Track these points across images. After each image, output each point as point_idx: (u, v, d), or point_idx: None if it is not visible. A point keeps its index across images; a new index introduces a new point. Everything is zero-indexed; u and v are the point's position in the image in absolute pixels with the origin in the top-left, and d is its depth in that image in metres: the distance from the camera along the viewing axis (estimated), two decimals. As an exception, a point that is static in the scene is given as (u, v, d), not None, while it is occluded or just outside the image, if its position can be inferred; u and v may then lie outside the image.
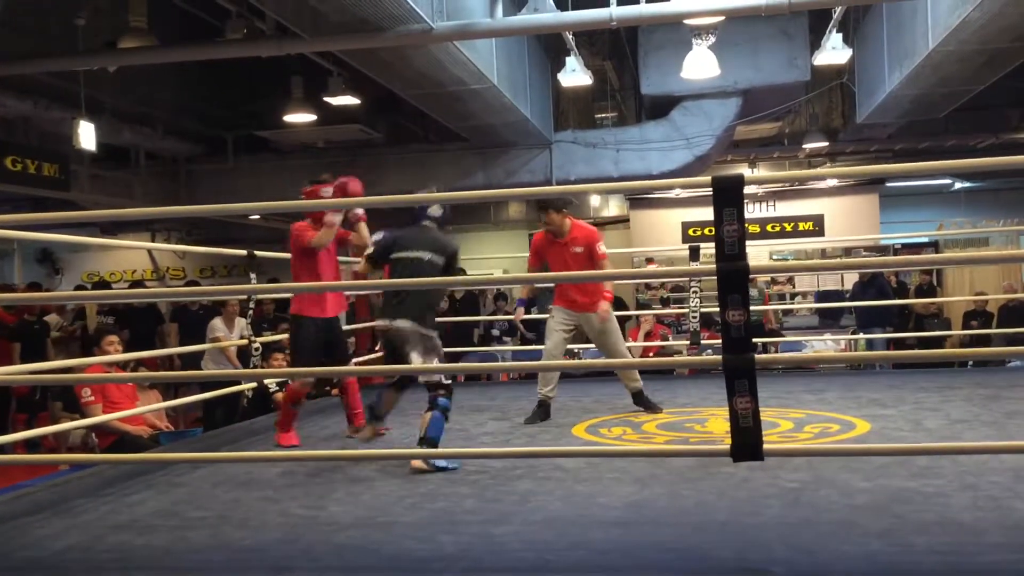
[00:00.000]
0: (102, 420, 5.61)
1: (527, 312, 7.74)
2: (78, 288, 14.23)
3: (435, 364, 4.54)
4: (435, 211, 4.76)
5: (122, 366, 6.72)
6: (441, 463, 4.20)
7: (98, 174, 10.95)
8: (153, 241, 14.88)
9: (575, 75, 8.80)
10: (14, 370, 5.66)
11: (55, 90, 9.07)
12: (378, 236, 4.81)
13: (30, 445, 7.75)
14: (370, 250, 4.77)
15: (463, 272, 5.09)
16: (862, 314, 10.20)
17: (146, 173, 11.81)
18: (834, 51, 8.42)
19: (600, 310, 5.55)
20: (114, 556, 3.10)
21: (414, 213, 4.82)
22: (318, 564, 2.92)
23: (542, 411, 5.65)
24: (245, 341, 6.30)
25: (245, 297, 6.33)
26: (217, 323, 8.46)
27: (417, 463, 4.18)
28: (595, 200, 15.47)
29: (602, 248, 5.64)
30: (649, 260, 13.86)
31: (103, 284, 14.41)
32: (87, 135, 8.73)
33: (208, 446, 5.45)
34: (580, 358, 8.06)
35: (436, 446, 4.26)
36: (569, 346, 6.18)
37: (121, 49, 8.05)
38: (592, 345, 8.67)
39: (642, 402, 5.77)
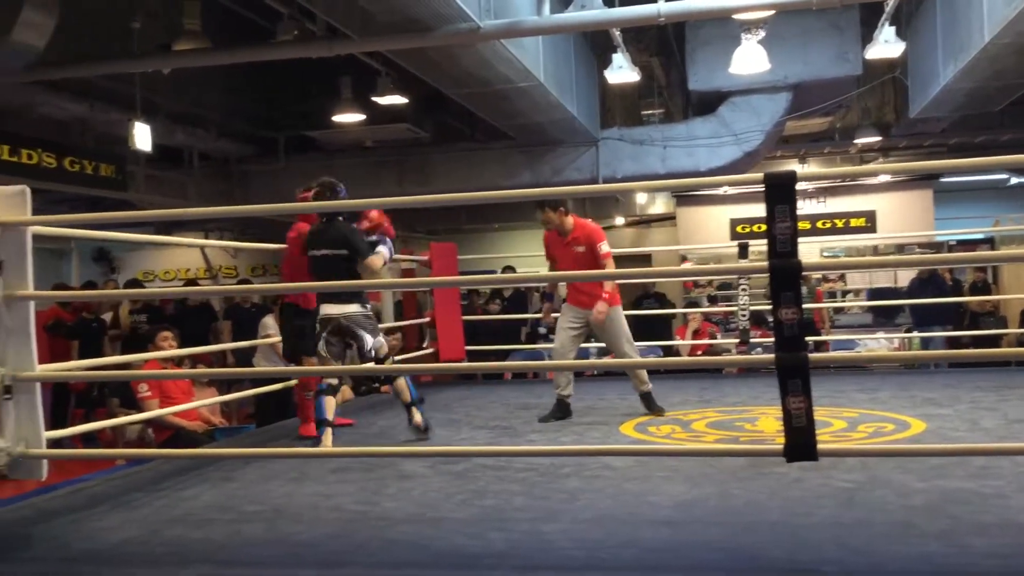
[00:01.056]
0: (158, 415, 5.73)
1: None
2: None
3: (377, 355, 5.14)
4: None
5: (177, 362, 6.85)
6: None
7: (153, 174, 11.15)
8: (206, 239, 15.09)
9: (622, 72, 8.76)
10: (72, 366, 5.80)
11: (111, 92, 9.26)
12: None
13: (88, 440, 7.94)
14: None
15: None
16: (920, 312, 10.00)
17: (199, 173, 12.01)
18: (887, 44, 8.26)
19: (595, 310, 5.50)
20: (171, 549, 3.16)
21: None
22: (371, 559, 2.95)
23: (560, 410, 5.66)
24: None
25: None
26: (269, 320, 8.55)
27: (418, 419, 5.12)
28: (642, 197, 15.38)
29: (604, 247, 5.57)
30: (683, 259, 13.78)
31: (135, 284, 14.56)
32: (143, 136, 8.91)
33: (260, 441, 5.53)
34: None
35: (424, 400, 5.22)
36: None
37: (175, 51, 8.21)
38: (639, 343, 8.66)
39: (650, 405, 5.71)
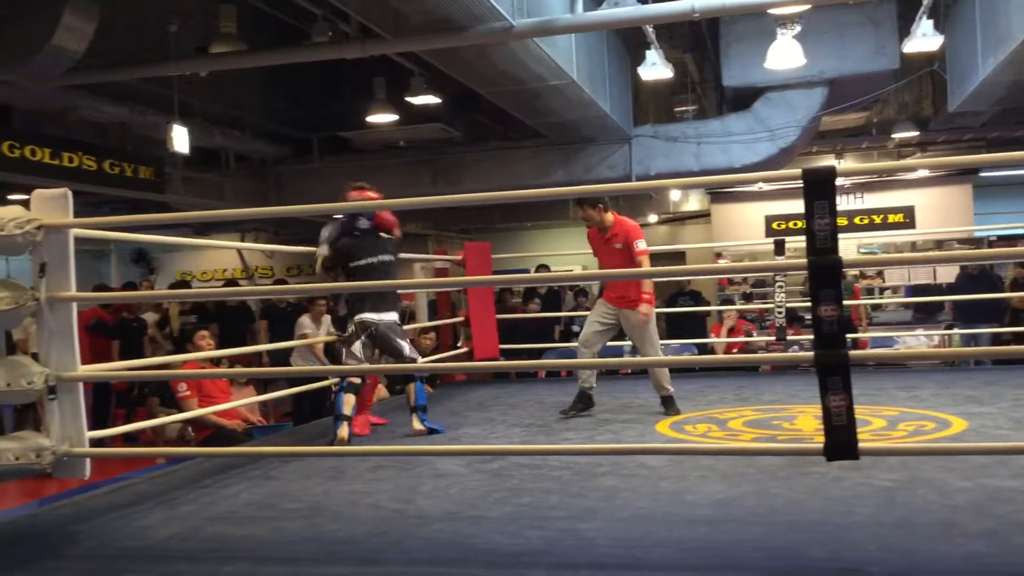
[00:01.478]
0: (198, 414, 5.80)
1: None
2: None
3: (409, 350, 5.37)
4: (364, 223, 5.48)
5: (215, 361, 6.93)
6: (432, 425, 5.27)
7: (190, 176, 11.28)
8: (243, 241, 15.26)
9: (655, 68, 8.72)
10: (114, 366, 5.88)
11: (149, 95, 9.38)
12: (325, 248, 5.53)
13: (129, 439, 8.06)
14: (323, 258, 5.50)
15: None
16: (967, 308, 9.82)
17: (236, 175, 12.13)
18: (924, 38, 8.16)
19: (640, 310, 5.51)
20: (213, 546, 3.20)
21: (347, 223, 5.51)
22: (409, 557, 2.97)
23: (581, 401, 5.72)
24: (332, 338, 6.42)
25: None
26: (305, 320, 8.65)
27: (417, 426, 5.22)
28: (675, 195, 15.31)
29: (640, 245, 5.58)
30: (718, 255, 13.68)
31: (183, 284, 14.81)
32: (181, 139, 9.00)
33: (298, 440, 5.58)
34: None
35: (427, 410, 5.30)
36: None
37: (212, 54, 8.28)
38: (674, 341, 8.61)
39: (669, 408, 5.68)
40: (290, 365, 8.49)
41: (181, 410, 6.12)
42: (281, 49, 8.63)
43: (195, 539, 3.28)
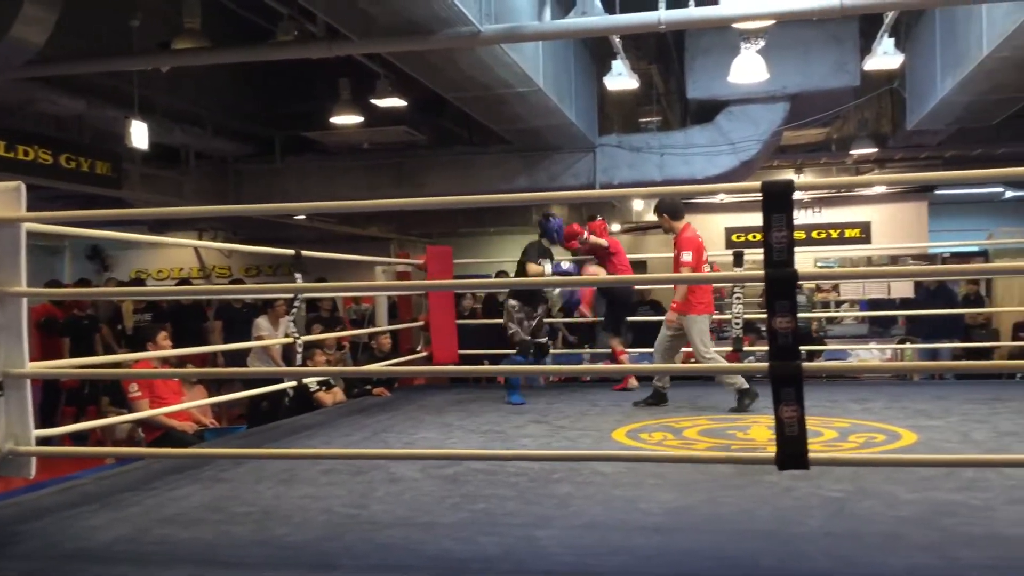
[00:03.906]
0: (149, 415, 5.71)
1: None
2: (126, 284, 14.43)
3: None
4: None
5: (168, 362, 6.84)
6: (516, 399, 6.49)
7: (149, 173, 11.10)
8: (200, 239, 15.06)
9: (621, 79, 8.77)
10: (63, 364, 5.77)
11: (108, 90, 9.23)
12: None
13: (77, 438, 7.91)
14: None
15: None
16: (926, 324, 9.97)
17: (196, 172, 11.96)
18: (885, 56, 8.30)
19: (685, 315, 6.17)
20: (160, 548, 3.14)
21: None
22: (361, 562, 2.94)
23: (654, 398, 6.29)
24: (290, 340, 6.35)
25: (292, 296, 6.40)
26: (262, 322, 8.57)
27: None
28: (638, 204, 15.39)
29: (684, 256, 6.14)
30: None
31: (138, 282, 14.65)
32: (139, 134, 8.87)
33: (251, 443, 5.51)
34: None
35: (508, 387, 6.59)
36: None
37: (174, 50, 8.17)
38: (634, 350, 8.67)
39: (744, 397, 6.00)
40: (247, 367, 8.40)
41: (132, 411, 6.02)
42: (245, 47, 8.55)
43: (141, 541, 3.23)
